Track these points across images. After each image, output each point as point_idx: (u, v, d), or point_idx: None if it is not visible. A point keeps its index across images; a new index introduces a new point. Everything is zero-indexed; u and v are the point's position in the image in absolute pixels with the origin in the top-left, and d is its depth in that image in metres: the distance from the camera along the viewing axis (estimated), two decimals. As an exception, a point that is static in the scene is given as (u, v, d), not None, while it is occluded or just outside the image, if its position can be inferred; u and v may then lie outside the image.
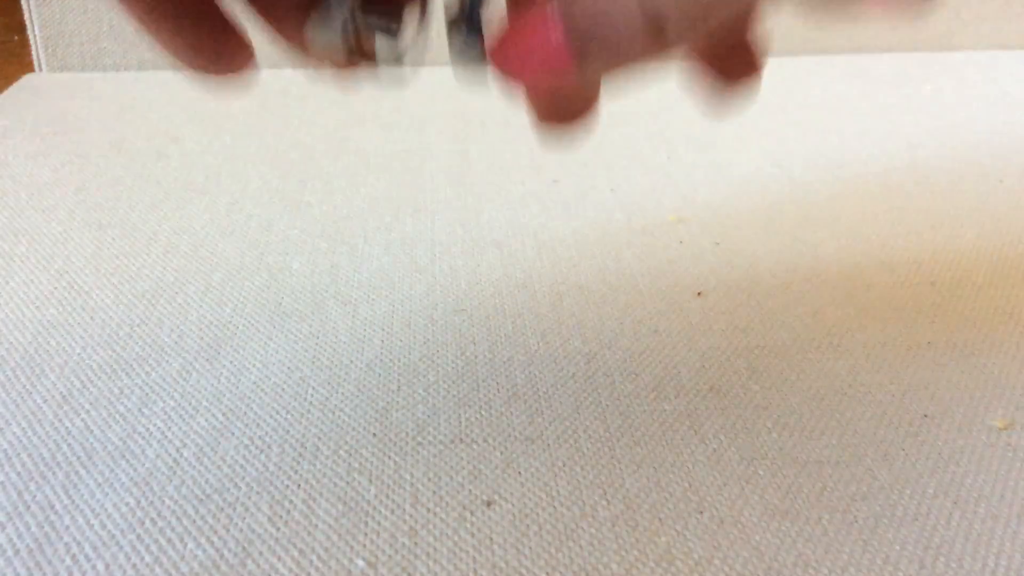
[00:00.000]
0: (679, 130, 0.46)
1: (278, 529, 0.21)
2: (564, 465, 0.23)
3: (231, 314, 0.29)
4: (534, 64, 0.19)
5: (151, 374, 0.26)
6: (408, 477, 0.22)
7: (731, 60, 0.23)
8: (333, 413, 0.25)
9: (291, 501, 0.22)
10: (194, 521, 0.21)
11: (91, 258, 0.33)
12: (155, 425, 0.24)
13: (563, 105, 0.22)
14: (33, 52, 0.55)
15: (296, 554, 0.20)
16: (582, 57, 0.19)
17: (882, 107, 0.50)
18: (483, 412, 0.25)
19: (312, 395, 0.25)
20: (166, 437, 0.24)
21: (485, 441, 0.24)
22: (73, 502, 0.21)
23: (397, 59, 0.21)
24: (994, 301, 0.31)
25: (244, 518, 0.21)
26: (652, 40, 0.18)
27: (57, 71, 0.56)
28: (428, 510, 0.21)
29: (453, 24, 0.21)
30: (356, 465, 0.23)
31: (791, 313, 0.30)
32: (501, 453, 0.23)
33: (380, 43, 0.20)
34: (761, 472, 0.23)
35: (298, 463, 0.23)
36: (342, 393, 0.26)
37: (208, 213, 0.37)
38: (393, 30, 0.20)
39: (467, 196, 0.39)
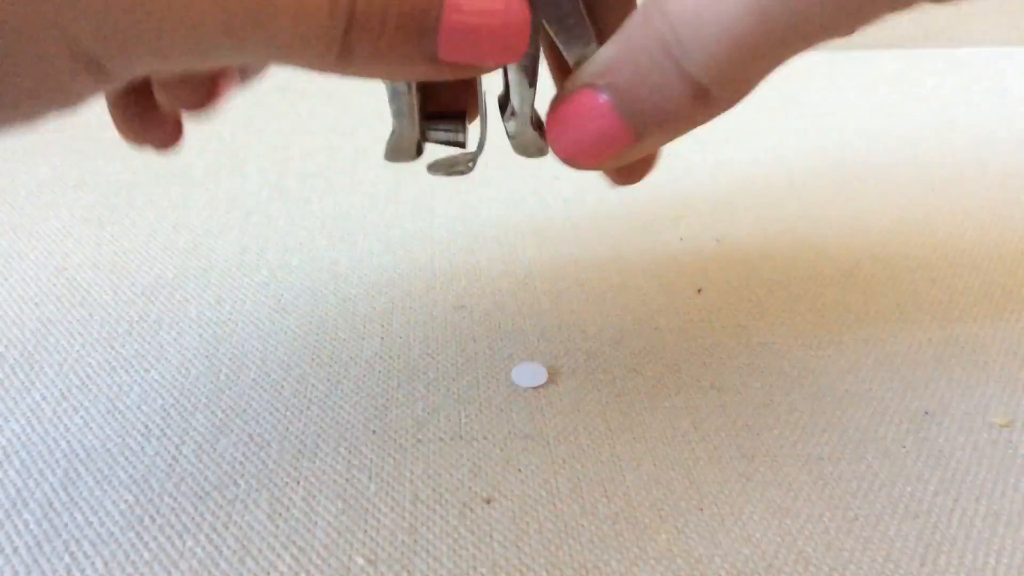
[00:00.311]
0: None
1: (277, 526, 0.21)
2: (564, 462, 0.23)
3: (230, 311, 0.29)
4: (594, 149, 0.20)
5: (150, 371, 0.26)
6: (408, 474, 0.22)
7: None
8: (332, 410, 0.25)
9: (290, 498, 0.22)
10: (193, 518, 0.21)
11: (90, 255, 0.33)
12: (154, 422, 0.24)
13: (624, 170, 0.23)
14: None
15: (295, 551, 0.20)
16: (639, 137, 0.19)
17: (883, 104, 0.50)
18: (483, 409, 0.25)
19: (311, 392, 0.25)
20: (165, 434, 0.24)
21: (485, 438, 0.24)
22: (72, 499, 0.21)
23: (462, 165, 0.22)
24: (995, 299, 0.31)
25: (243, 515, 0.21)
26: (701, 108, 0.19)
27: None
28: (428, 507, 0.21)
29: (504, 110, 0.22)
30: (356, 462, 0.23)
31: (791, 310, 0.30)
32: (501, 450, 0.23)
33: (446, 151, 0.22)
34: (762, 469, 0.23)
35: (297, 460, 0.23)
36: (342, 390, 0.26)
37: (207, 210, 0.36)
38: (458, 141, 0.22)
39: (467, 193, 0.39)
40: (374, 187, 0.39)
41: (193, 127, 0.47)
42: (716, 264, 0.33)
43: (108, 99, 0.23)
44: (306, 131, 0.45)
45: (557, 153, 0.21)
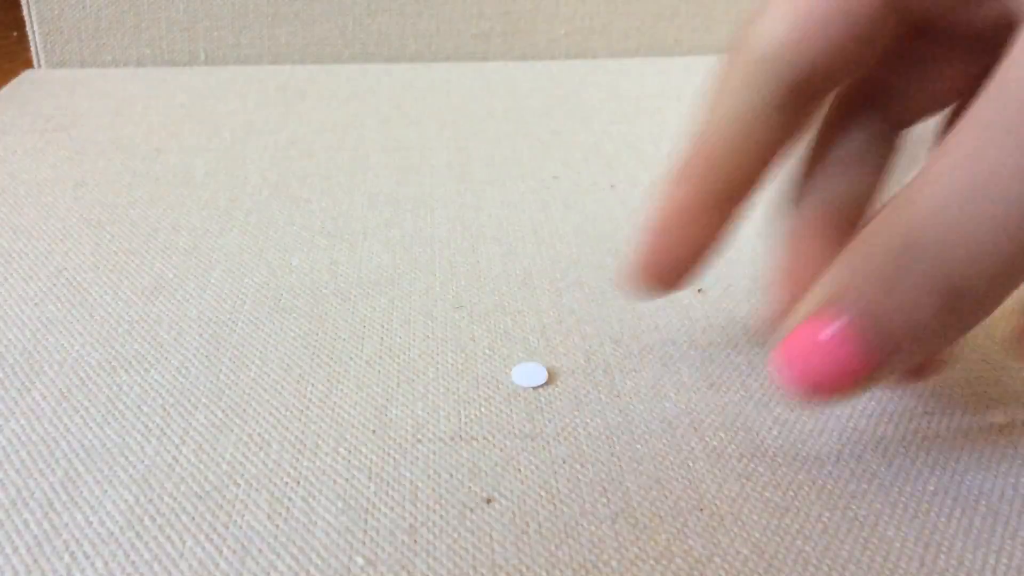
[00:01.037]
0: (680, 126, 0.46)
1: (277, 527, 0.21)
2: (564, 462, 0.23)
3: (230, 311, 0.29)
4: (833, 380, 0.18)
5: (150, 371, 0.26)
6: (407, 474, 0.22)
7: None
8: (332, 410, 0.25)
9: (290, 498, 0.22)
10: (193, 518, 0.21)
11: (89, 255, 0.33)
12: (154, 422, 0.24)
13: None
14: (32, 48, 0.55)
15: (295, 551, 0.20)
16: (883, 367, 0.18)
17: (883, 103, 0.50)
18: (483, 409, 0.25)
19: (311, 392, 0.25)
20: (165, 434, 0.24)
21: (485, 438, 0.24)
22: (72, 499, 0.21)
23: None
24: (995, 298, 0.31)
25: (243, 515, 0.21)
26: (951, 328, 0.17)
27: (56, 67, 0.56)
28: (427, 507, 0.21)
29: None
30: (355, 462, 0.23)
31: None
32: (501, 450, 0.23)
33: None
34: (761, 469, 0.23)
35: (297, 460, 0.23)
36: (341, 390, 0.26)
37: (207, 209, 0.36)
38: None
39: (467, 192, 0.39)
40: (374, 186, 0.39)
41: (192, 128, 0.47)
42: (716, 264, 0.33)
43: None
44: (305, 131, 0.45)
45: (790, 391, 0.19)
